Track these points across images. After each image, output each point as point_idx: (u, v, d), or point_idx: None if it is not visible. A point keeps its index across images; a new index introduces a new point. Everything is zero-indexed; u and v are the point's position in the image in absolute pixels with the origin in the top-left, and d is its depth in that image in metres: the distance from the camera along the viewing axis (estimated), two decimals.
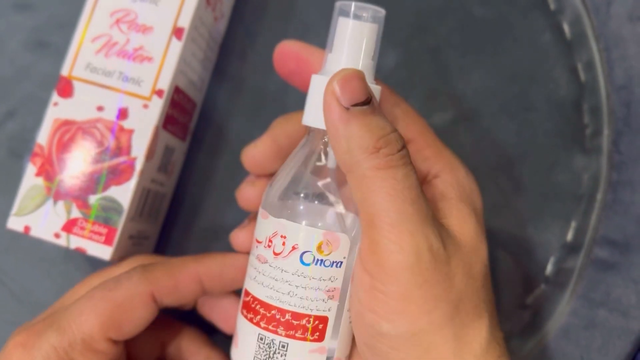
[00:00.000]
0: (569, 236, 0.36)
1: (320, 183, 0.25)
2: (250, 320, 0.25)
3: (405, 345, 0.23)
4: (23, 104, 0.36)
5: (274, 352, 0.25)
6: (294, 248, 0.25)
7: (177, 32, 0.31)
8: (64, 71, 0.30)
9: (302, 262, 0.24)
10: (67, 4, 0.36)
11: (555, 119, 0.36)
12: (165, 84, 0.30)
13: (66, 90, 0.30)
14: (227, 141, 0.36)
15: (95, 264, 0.35)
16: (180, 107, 0.33)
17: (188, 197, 0.36)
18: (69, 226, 0.29)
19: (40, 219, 0.29)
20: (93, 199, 0.29)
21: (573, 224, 0.36)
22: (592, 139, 0.36)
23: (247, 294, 0.26)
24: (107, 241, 0.29)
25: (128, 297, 0.27)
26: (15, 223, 0.29)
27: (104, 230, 0.29)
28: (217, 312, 0.31)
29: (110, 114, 0.30)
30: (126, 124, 0.30)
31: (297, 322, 0.25)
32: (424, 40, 0.37)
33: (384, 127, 0.23)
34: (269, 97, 0.36)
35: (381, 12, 0.25)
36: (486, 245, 0.26)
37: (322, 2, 0.37)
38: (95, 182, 0.29)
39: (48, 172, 0.29)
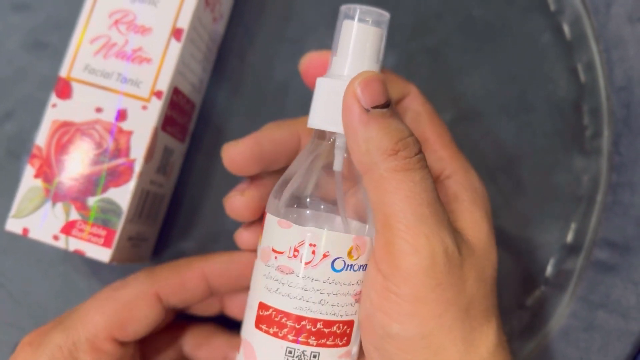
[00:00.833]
0: (569, 237, 0.36)
1: (337, 187, 0.25)
2: (275, 334, 0.25)
3: (414, 348, 0.23)
4: (21, 105, 0.36)
5: None
6: (325, 256, 0.24)
7: (176, 33, 0.30)
8: (63, 72, 0.30)
9: (333, 269, 0.24)
10: (66, 5, 0.36)
11: (555, 120, 0.36)
12: (164, 85, 0.30)
13: (65, 91, 0.30)
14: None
15: (94, 266, 0.35)
16: (179, 109, 0.32)
17: (187, 198, 0.36)
18: (68, 228, 0.29)
19: (39, 221, 0.29)
20: (92, 200, 0.29)
21: (573, 226, 0.36)
22: (592, 140, 0.36)
23: (266, 307, 0.25)
24: (106, 243, 0.29)
25: (133, 297, 0.27)
26: (13, 225, 0.29)
27: (102, 232, 0.29)
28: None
29: (109, 116, 0.30)
30: (125, 125, 0.30)
31: (328, 330, 0.25)
32: (424, 41, 0.37)
33: (403, 130, 0.23)
34: (268, 98, 0.36)
35: (385, 15, 0.25)
36: (496, 249, 0.26)
37: (321, 3, 0.37)
38: (94, 184, 0.29)
39: (46, 173, 0.29)
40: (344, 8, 0.25)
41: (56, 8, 0.37)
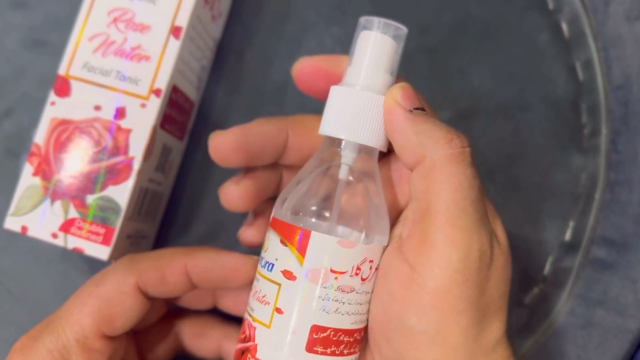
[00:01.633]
0: (567, 235, 0.36)
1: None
2: (332, 353, 0.24)
3: (426, 344, 0.23)
4: (20, 103, 0.36)
5: None
6: (376, 269, 0.25)
7: (175, 31, 0.30)
8: (61, 70, 0.30)
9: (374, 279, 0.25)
10: (64, 3, 0.36)
11: (553, 118, 0.36)
12: (163, 83, 0.30)
13: (63, 89, 0.30)
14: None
15: (93, 264, 0.35)
16: (178, 107, 0.32)
17: (186, 196, 0.36)
18: (67, 226, 0.29)
19: (38, 219, 0.29)
20: (90, 198, 0.29)
21: (571, 224, 0.36)
22: (590, 139, 0.36)
23: (322, 329, 0.24)
24: (105, 241, 0.29)
25: (115, 291, 0.26)
26: (12, 223, 0.29)
27: (101, 230, 0.29)
28: (241, 305, 0.30)
29: (107, 114, 0.30)
30: (124, 123, 0.30)
31: (361, 336, 0.26)
32: (421, 40, 0.37)
33: (448, 125, 0.24)
34: (267, 96, 0.36)
35: (403, 29, 0.25)
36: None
37: (320, 1, 0.37)
38: (92, 182, 0.29)
39: (45, 171, 0.29)
40: (362, 20, 0.26)
41: (55, 6, 0.37)
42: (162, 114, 0.30)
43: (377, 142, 0.25)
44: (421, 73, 0.37)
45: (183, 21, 0.31)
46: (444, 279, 0.22)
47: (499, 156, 0.36)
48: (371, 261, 0.25)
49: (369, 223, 0.25)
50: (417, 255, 0.23)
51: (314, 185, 0.26)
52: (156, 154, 0.31)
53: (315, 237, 0.24)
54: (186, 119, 0.34)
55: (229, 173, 0.30)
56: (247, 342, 0.25)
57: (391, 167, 0.27)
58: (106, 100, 0.30)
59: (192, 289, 0.29)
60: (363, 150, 0.25)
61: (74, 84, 0.30)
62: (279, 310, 0.24)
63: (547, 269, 0.36)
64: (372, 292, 0.25)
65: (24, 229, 0.29)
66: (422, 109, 0.24)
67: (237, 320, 0.31)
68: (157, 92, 0.30)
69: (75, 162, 0.29)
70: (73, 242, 0.29)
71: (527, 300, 0.35)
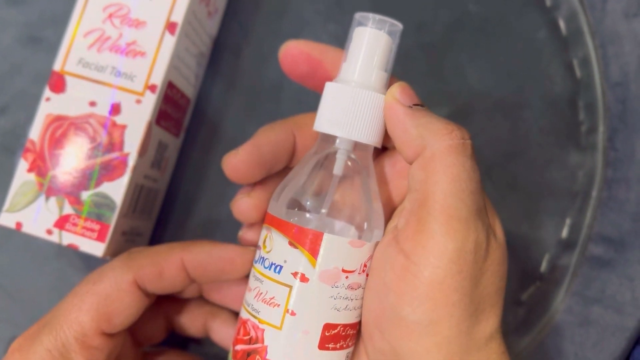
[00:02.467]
0: (564, 233, 0.36)
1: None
2: (342, 347, 0.25)
3: (419, 334, 0.23)
4: (15, 99, 0.36)
5: None
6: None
7: (170, 26, 0.30)
8: (56, 66, 0.30)
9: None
10: None
11: (551, 115, 0.36)
12: (158, 79, 0.30)
13: (58, 85, 0.30)
14: (221, 137, 0.36)
15: (88, 261, 0.34)
16: (174, 103, 0.32)
17: (181, 193, 0.35)
18: (62, 222, 0.29)
19: (32, 215, 0.29)
20: (85, 195, 0.29)
21: (568, 221, 0.36)
22: (588, 136, 0.36)
23: (333, 327, 0.25)
24: (100, 237, 0.29)
25: (113, 289, 0.26)
26: (7, 219, 0.29)
27: (96, 227, 0.29)
28: (231, 297, 0.31)
29: (102, 110, 0.30)
30: (119, 119, 0.29)
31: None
32: (419, 37, 0.37)
33: (447, 119, 0.24)
34: (264, 93, 0.36)
35: (398, 25, 0.25)
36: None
37: None
38: (87, 178, 0.29)
39: (40, 168, 0.29)
40: (357, 16, 0.26)
41: (50, 2, 0.37)
42: (157, 110, 0.30)
43: (372, 139, 0.25)
44: (419, 70, 0.36)
45: (178, 17, 0.30)
46: (438, 268, 0.22)
47: (497, 153, 0.36)
48: (371, 257, 0.25)
49: (373, 220, 0.25)
50: (413, 244, 0.23)
51: (316, 184, 0.26)
52: (151, 150, 0.31)
53: (327, 239, 0.24)
54: (182, 115, 0.34)
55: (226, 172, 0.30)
56: (254, 343, 0.25)
57: (384, 165, 0.27)
58: (101, 96, 0.30)
59: (191, 284, 0.29)
60: (358, 147, 0.25)
61: (69, 80, 0.30)
62: (291, 312, 0.24)
63: (545, 266, 0.35)
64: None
65: (19, 225, 0.29)
66: (422, 105, 0.24)
67: None
68: (152, 88, 0.30)
69: (70, 158, 0.29)
70: (68, 238, 0.29)
71: (524, 298, 0.35)
